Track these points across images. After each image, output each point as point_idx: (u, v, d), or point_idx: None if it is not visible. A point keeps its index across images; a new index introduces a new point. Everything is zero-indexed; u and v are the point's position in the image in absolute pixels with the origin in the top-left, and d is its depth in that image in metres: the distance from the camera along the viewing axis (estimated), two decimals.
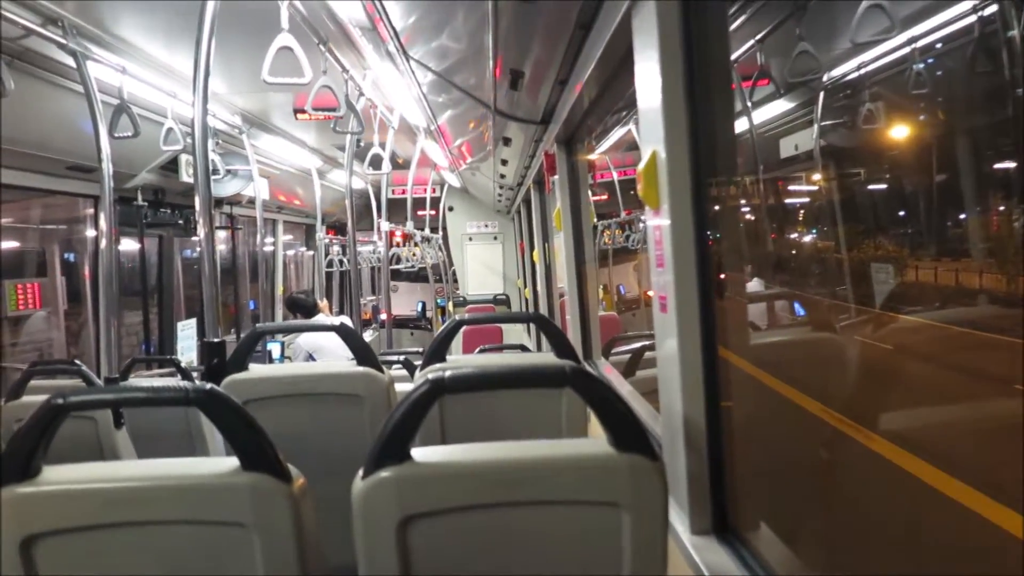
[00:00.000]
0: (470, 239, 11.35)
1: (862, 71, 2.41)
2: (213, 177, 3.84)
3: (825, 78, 2.78)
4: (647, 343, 3.51)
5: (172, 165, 4.96)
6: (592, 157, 5.70)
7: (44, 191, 4.27)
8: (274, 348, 6.45)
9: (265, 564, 1.20)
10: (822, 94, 2.94)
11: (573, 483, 1.21)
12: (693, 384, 1.52)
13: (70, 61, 3.18)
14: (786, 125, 3.29)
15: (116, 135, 3.39)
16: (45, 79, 3.36)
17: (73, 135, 3.75)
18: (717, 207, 1.65)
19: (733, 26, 2.26)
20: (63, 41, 3.01)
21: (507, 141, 4.63)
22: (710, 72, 1.54)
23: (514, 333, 9.00)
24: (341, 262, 8.66)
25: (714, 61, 1.56)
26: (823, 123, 2.95)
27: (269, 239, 8.55)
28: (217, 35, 2.53)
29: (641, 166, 1.58)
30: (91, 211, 4.89)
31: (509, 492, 1.21)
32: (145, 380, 3.91)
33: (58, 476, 1.22)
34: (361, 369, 2.17)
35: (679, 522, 1.55)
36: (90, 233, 5.01)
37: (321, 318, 5.74)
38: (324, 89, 2.95)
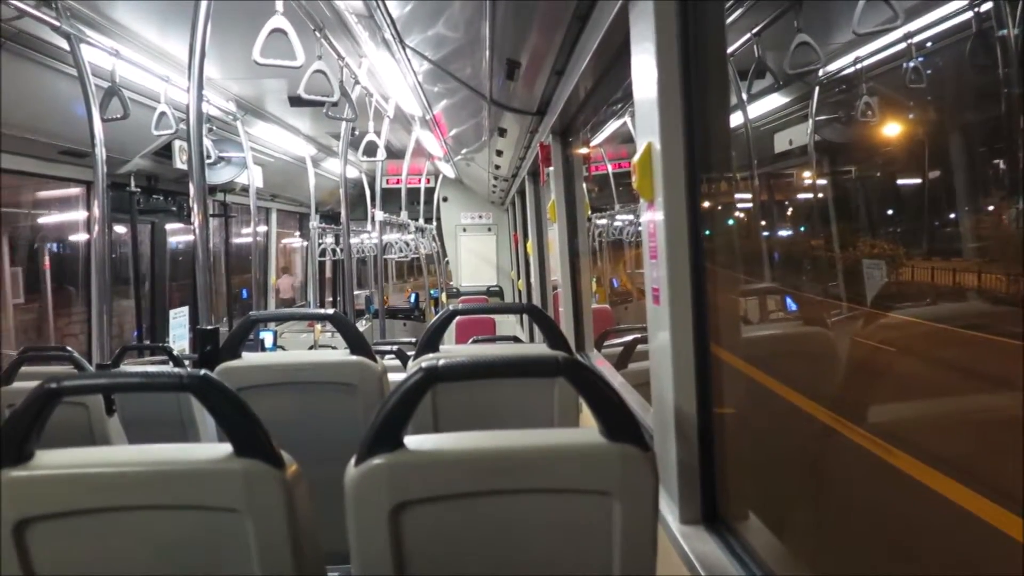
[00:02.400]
0: (464, 230, 11.33)
1: (858, 66, 2.42)
2: (207, 164, 3.82)
3: (821, 73, 2.78)
4: (639, 335, 3.53)
5: (166, 151, 4.94)
6: (586, 150, 5.70)
7: (37, 175, 4.24)
8: (267, 337, 6.44)
9: (258, 549, 1.20)
10: (817, 88, 2.95)
11: (565, 471, 1.22)
12: (685, 375, 1.53)
13: (64, 44, 3.15)
14: (782, 119, 3.29)
15: (106, 118, 3.37)
16: (38, 61, 3.33)
17: (66, 119, 3.72)
18: (718, 200, 1.66)
19: (730, 19, 2.26)
20: (57, 23, 2.99)
21: (502, 132, 4.63)
22: (706, 65, 1.55)
23: (507, 325, 9.01)
24: (334, 251, 8.63)
25: (710, 53, 1.57)
26: (818, 117, 2.95)
27: (261, 228, 8.53)
28: (212, 19, 2.52)
29: (636, 158, 1.59)
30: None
31: (501, 480, 1.21)
32: (138, 367, 3.90)
33: (51, 460, 1.22)
34: (354, 358, 2.17)
35: (669, 511, 1.56)
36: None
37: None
38: (318, 74, 2.93)
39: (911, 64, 1.95)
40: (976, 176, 1.72)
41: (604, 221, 8.21)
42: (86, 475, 1.20)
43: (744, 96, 2.95)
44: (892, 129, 2.30)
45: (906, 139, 2.15)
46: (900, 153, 2.22)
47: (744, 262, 2.35)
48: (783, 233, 3.02)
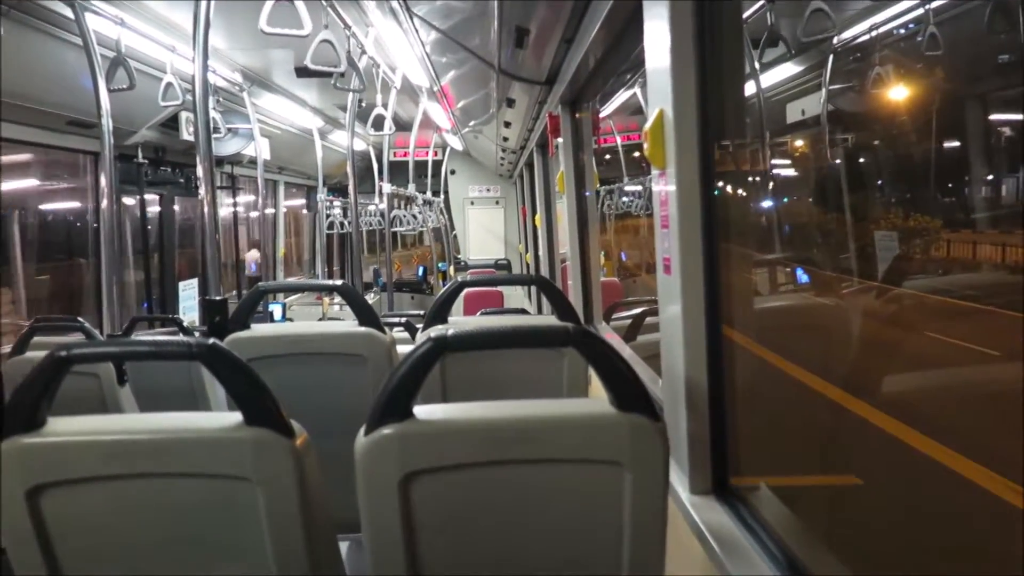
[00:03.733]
0: (472, 203, 11.30)
1: (874, 33, 2.36)
2: (214, 135, 3.79)
3: (835, 41, 2.72)
4: (648, 308, 3.52)
5: (172, 122, 4.91)
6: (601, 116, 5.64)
7: (43, 146, 4.23)
8: (275, 309, 6.46)
9: (269, 517, 1.21)
10: (832, 57, 2.89)
11: (575, 441, 1.21)
12: (696, 345, 1.52)
13: (68, 12, 3.12)
14: (796, 88, 3.24)
15: (112, 88, 3.35)
16: (43, 30, 3.30)
17: (72, 90, 3.70)
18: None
19: None
20: None
21: (511, 103, 4.58)
22: (721, 30, 1.51)
23: (515, 299, 9.01)
24: (342, 224, 8.62)
25: (725, 18, 1.53)
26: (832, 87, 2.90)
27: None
28: None
29: (648, 125, 1.56)
30: None
31: (511, 450, 1.21)
32: (148, 336, 3.92)
33: (63, 428, 1.23)
34: (363, 329, 2.17)
35: (679, 482, 1.56)
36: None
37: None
38: (325, 44, 2.90)
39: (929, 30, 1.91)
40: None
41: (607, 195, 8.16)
42: (97, 442, 1.20)
43: (756, 65, 2.89)
44: (907, 97, 2.25)
45: (921, 107, 2.11)
46: (912, 122, 2.18)
47: (757, 233, 2.32)
48: (796, 204, 2.98)
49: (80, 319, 3.05)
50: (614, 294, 5.96)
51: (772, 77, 3.22)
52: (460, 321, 2.37)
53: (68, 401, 1.35)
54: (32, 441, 1.19)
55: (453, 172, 11.10)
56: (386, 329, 2.24)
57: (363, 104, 5.24)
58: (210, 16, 2.51)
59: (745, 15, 2.62)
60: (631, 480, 1.19)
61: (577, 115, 3.66)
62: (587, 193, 3.80)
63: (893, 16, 2.32)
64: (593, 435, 1.21)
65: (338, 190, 10.22)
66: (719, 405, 1.53)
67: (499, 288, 8.50)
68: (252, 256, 8.07)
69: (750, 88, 2.95)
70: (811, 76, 3.12)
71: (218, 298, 2.53)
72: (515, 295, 9.23)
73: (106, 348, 1.64)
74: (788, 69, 3.21)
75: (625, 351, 3.10)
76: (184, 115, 4.85)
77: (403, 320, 3.80)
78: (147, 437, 1.21)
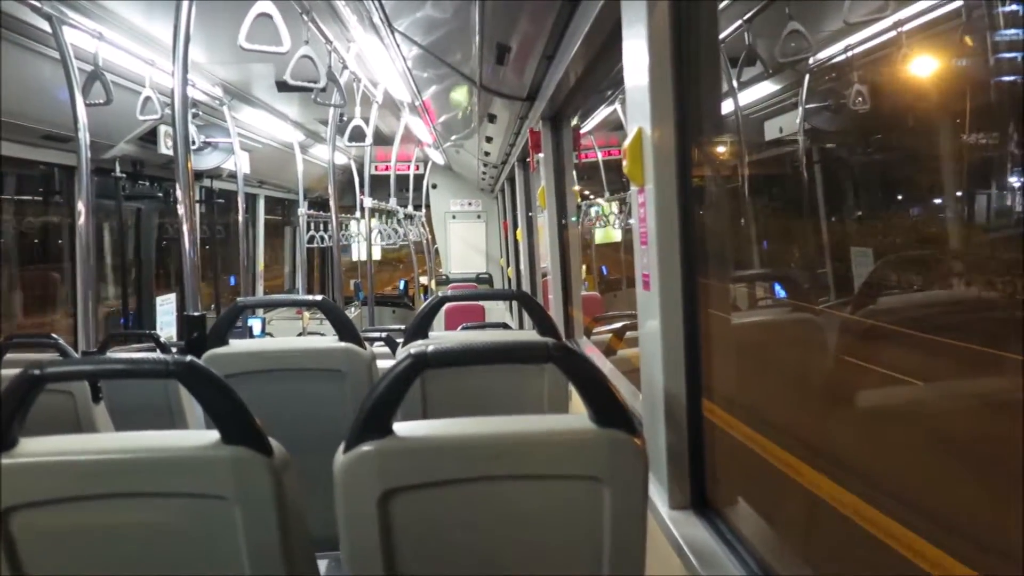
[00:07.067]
0: (454, 217, 11.30)
1: (849, 54, 2.41)
2: (192, 148, 3.77)
3: (811, 61, 2.77)
4: (629, 322, 3.53)
5: (151, 136, 4.88)
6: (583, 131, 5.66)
7: (18, 160, 4.17)
8: (255, 324, 6.40)
9: (247, 536, 1.20)
10: (808, 76, 2.94)
11: (554, 457, 1.22)
12: (674, 361, 1.53)
13: (46, 26, 3.10)
14: (773, 107, 3.29)
15: (88, 102, 3.32)
16: (19, 44, 3.27)
17: (48, 103, 3.66)
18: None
19: (721, 5, 2.25)
20: (38, 4, 2.94)
21: (492, 118, 4.60)
22: (698, 49, 1.54)
23: (497, 313, 9.00)
24: (323, 238, 8.58)
25: (702, 38, 1.56)
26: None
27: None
28: (197, 2, 2.48)
29: (627, 143, 1.58)
30: None
31: (490, 466, 1.21)
32: (124, 354, 3.86)
33: (36, 448, 1.20)
34: (342, 344, 2.16)
35: (658, 497, 1.56)
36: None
37: None
38: (305, 60, 2.90)
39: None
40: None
41: (595, 209, 8.22)
42: (71, 462, 1.18)
43: (735, 84, 2.94)
44: (883, 116, 2.30)
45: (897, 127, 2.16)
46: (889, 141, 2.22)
47: (735, 251, 2.35)
48: (774, 220, 3.02)
49: (54, 335, 2.99)
50: (595, 308, 5.98)
51: (750, 95, 3.26)
52: (441, 336, 2.37)
53: (41, 419, 1.33)
54: (4, 462, 1.17)
55: (435, 186, 11.11)
56: (366, 344, 2.23)
57: (344, 118, 5.24)
58: (190, 30, 2.50)
59: (723, 35, 2.67)
60: (610, 495, 1.20)
61: (558, 131, 3.69)
62: (570, 218, 3.83)
63: (868, 37, 2.37)
64: (572, 451, 1.22)
65: (319, 204, 10.17)
66: (697, 420, 1.54)
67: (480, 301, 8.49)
68: None
69: (729, 106, 3.00)
70: (788, 95, 3.17)
71: (196, 313, 2.50)
72: (497, 308, 9.22)
73: (80, 366, 1.62)
74: (766, 88, 3.26)
75: (606, 365, 3.11)
76: (163, 129, 4.81)
77: (384, 335, 3.78)
78: (121, 457, 1.19)
